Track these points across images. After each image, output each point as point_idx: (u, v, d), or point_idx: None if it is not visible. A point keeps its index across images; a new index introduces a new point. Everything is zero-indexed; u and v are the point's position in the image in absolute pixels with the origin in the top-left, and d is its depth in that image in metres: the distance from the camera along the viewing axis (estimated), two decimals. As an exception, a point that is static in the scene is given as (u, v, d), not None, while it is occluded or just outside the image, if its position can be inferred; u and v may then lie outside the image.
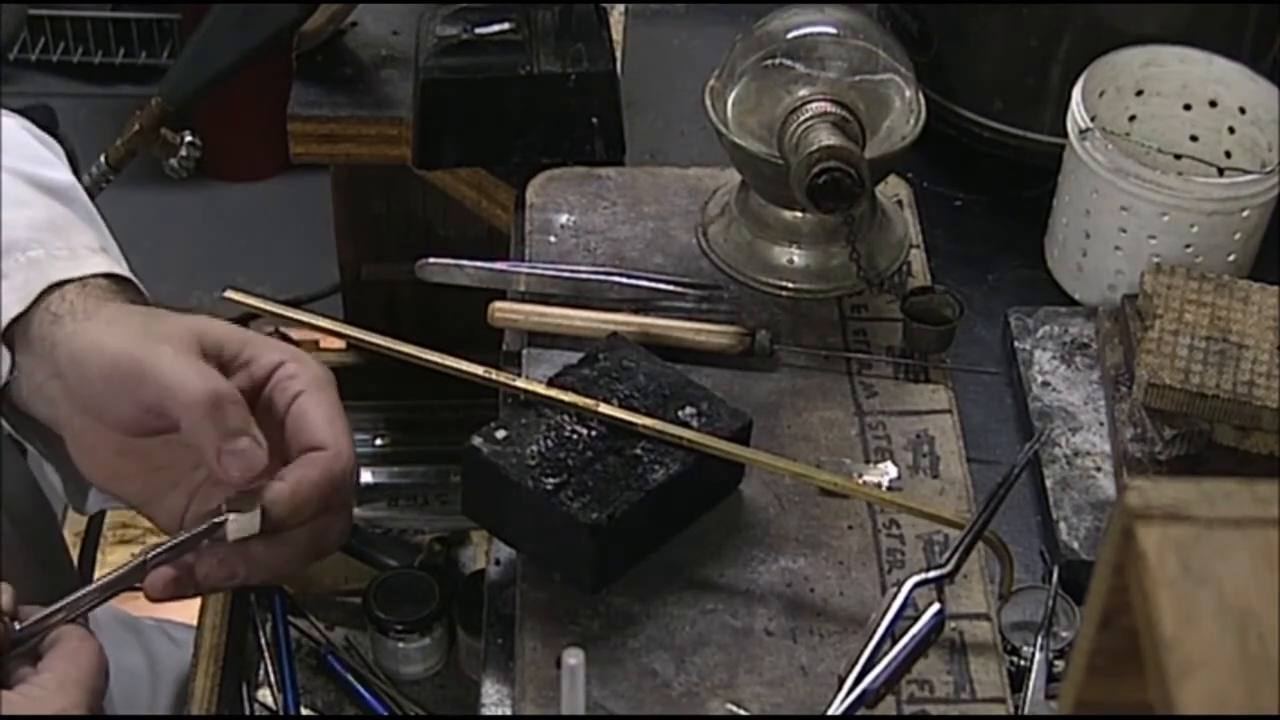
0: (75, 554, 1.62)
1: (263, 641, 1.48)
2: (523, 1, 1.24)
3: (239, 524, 0.80)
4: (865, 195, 1.04)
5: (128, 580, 0.82)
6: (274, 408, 0.85)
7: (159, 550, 0.81)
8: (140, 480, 0.88)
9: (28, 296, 0.87)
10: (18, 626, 0.80)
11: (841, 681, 0.84)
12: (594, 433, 0.93)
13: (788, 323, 1.09)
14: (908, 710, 0.88)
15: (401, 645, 1.52)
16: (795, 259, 1.11)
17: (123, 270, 0.92)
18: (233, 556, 0.82)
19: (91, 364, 0.83)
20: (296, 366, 0.85)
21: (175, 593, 0.82)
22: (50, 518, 1.14)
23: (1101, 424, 1.07)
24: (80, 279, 0.89)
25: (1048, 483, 1.03)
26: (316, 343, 1.82)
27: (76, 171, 1.03)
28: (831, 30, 1.09)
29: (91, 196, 1.28)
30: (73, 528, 1.97)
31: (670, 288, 1.10)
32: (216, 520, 0.81)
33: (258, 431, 0.82)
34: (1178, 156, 1.19)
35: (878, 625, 0.85)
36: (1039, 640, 0.93)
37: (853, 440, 1.02)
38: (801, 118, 1.04)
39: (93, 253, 0.91)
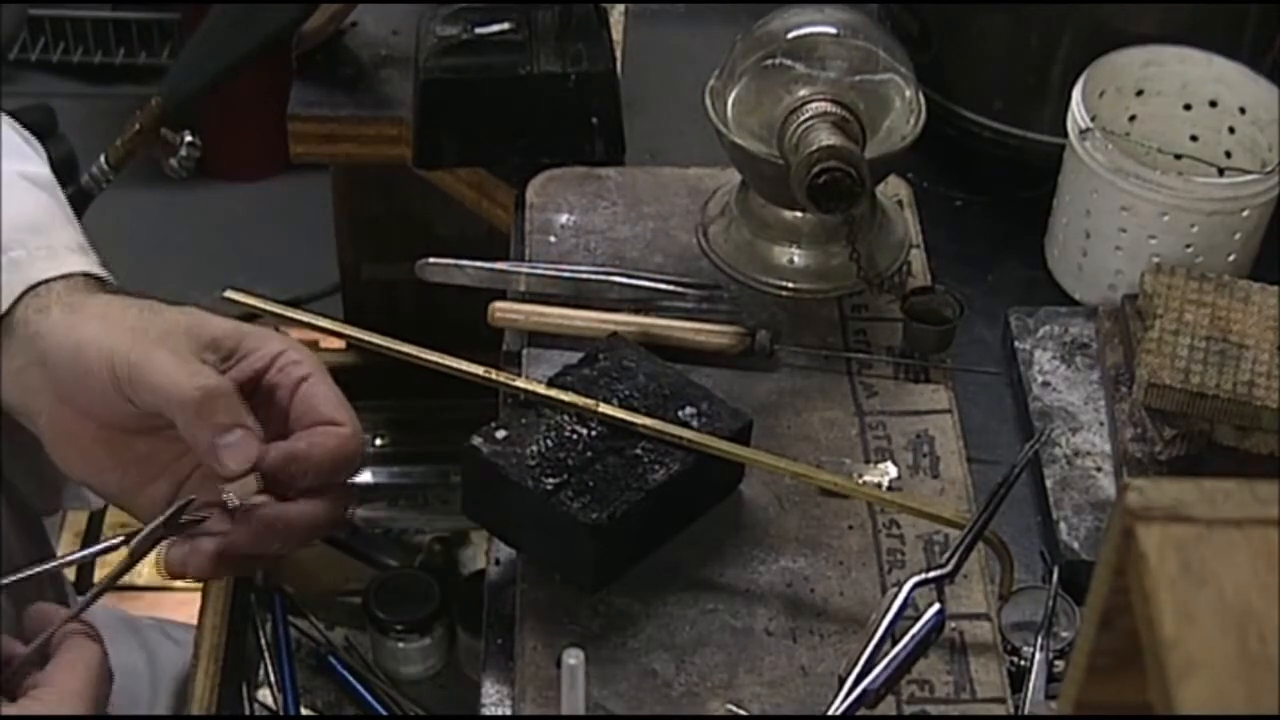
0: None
1: (263, 641, 1.49)
2: (523, 1, 1.24)
3: (236, 490, 0.81)
4: (865, 195, 1.04)
5: (123, 570, 0.83)
6: (278, 393, 0.85)
7: (143, 534, 0.81)
8: (119, 471, 0.87)
9: (9, 297, 0.88)
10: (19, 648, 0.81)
11: (841, 681, 0.84)
12: (594, 433, 0.93)
13: (788, 323, 1.09)
14: (908, 710, 0.88)
15: (401, 645, 1.52)
16: (795, 259, 1.11)
17: (100, 271, 0.92)
18: (250, 525, 0.82)
19: (84, 361, 0.83)
20: (298, 354, 0.86)
21: (214, 569, 0.82)
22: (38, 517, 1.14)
23: (1101, 424, 1.07)
24: (61, 277, 0.89)
25: (1048, 483, 1.03)
26: (316, 343, 1.82)
27: (76, 171, 1.03)
28: (831, 30, 1.09)
29: (91, 196, 1.28)
30: (73, 528, 1.97)
31: (670, 288, 1.10)
32: (181, 503, 0.82)
33: (252, 421, 0.82)
34: (1178, 156, 1.19)
35: (878, 625, 0.85)
36: (1039, 640, 0.93)
37: (853, 440, 1.02)
38: (801, 118, 1.04)
39: (71, 251, 0.92)
